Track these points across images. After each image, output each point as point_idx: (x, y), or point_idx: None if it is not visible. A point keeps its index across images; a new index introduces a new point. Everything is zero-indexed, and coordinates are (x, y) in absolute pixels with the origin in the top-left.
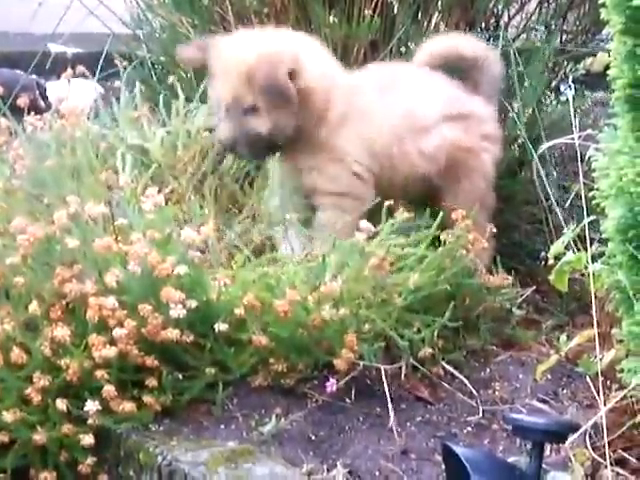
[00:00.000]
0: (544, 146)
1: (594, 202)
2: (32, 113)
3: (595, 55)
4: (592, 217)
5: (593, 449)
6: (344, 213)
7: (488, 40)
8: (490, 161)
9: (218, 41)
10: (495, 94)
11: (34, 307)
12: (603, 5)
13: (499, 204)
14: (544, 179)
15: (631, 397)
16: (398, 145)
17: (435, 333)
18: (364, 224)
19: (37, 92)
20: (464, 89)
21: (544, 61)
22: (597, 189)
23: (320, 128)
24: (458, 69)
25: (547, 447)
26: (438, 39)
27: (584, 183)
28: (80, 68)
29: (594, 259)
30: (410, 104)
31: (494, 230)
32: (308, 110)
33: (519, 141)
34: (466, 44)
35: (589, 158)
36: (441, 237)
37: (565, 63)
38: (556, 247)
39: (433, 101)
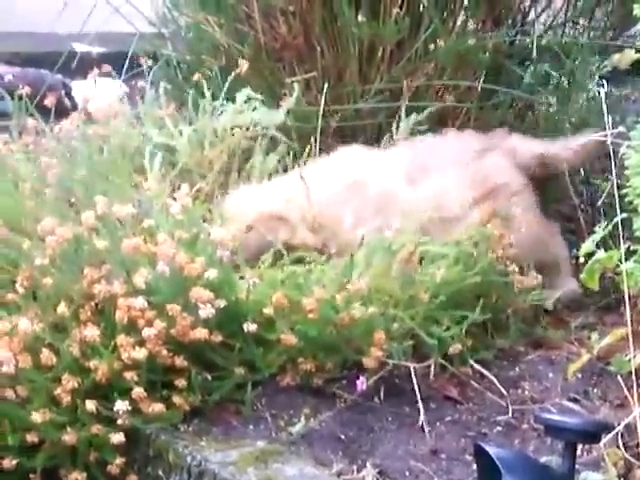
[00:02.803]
0: None
1: (626, 200)
2: (58, 113)
3: (622, 51)
4: (623, 215)
5: (626, 449)
6: None
7: (515, 36)
8: (524, 217)
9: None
10: None
11: (63, 308)
12: (634, 1)
13: None
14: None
15: None
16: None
17: (464, 330)
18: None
19: (63, 92)
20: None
21: (573, 58)
22: (629, 186)
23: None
24: None
25: (579, 447)
26: None
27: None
28: (105, 67)
29: (626, 258)
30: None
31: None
32: None
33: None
34: None
35: (620, 155)
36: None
37: (592, 60)
38: (587, 245)
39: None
